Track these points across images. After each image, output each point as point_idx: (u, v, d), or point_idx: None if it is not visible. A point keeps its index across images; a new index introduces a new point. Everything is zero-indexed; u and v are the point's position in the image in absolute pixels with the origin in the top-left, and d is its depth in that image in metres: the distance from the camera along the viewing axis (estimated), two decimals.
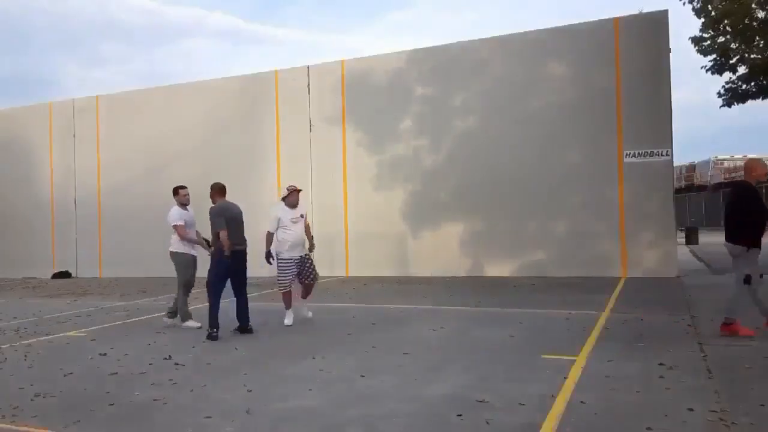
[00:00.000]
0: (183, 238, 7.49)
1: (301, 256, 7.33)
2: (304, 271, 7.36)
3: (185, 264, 7.56)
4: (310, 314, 7.64)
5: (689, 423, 3.60)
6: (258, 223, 14.48)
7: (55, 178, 17.35)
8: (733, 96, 14.31)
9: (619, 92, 11.99)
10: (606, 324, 6.82)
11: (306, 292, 7.63)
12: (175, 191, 7.78)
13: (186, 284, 7.58)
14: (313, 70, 14.61)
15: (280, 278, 7.33)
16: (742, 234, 5.90)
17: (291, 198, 7.27)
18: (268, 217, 7.44)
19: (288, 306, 7.40)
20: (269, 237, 7.26)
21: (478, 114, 13.15)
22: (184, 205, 7.68)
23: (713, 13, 12.79)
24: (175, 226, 7.50)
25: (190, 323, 7.52)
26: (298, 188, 7.41)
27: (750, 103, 14.28)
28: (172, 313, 7.72)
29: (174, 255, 7.60)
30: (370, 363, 5.35)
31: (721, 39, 13.20)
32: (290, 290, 7.35)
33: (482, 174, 13.02)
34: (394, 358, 5.51)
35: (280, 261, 7.25)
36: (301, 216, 7.27)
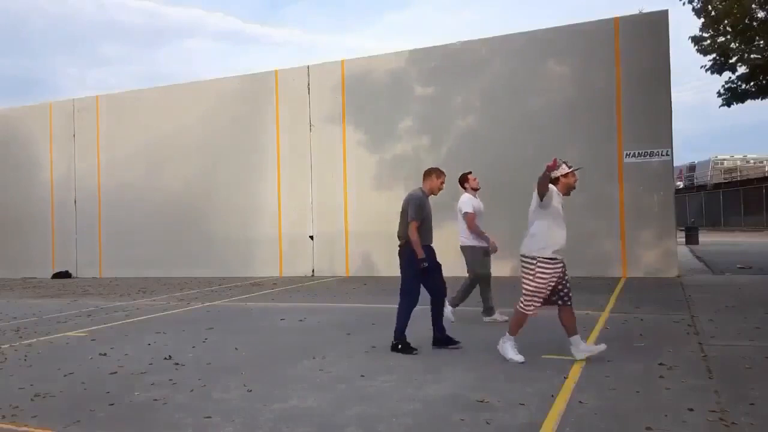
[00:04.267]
0: (470, 227, 6.94)
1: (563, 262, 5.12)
2: (559, 285, 5.14)
3: (478, 256, 7.05)
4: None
5: (689, 423, 3.60)
6: (256, 223, 14.68)
7: (55, 178, 17.35)
8: (732, 96, 14.32)
9: (619, 92, 11.99)
10: (606, 324, 6.83)
11: (571, 319, 5.16)
12: (464, 178, 7.26)
13: (485, 277, 7.08)
14: (313, 70, 14.61)
15: (536, 290, 5.19)
16: None
17: (569, 180, 5.13)
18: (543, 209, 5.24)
19: (515, 332, 5.25)
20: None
21: (478, 114, 13.15)
22: (475, 191, 7.24)
23: (713, 13, 12.79)
24: (465, 214, 6.96)
25: (496, 317, 7.08)
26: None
27: (750, 103, 14.30)
28: (488, 310, 7.19)
29: (465, 249, 7.07)
30: (370, 363, 5.35)
31: (721, 39, 13.20)
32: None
33: (482, 174, 12.77)
34: (394, 358, 5.51)
35: (544, 263, 5.16)
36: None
